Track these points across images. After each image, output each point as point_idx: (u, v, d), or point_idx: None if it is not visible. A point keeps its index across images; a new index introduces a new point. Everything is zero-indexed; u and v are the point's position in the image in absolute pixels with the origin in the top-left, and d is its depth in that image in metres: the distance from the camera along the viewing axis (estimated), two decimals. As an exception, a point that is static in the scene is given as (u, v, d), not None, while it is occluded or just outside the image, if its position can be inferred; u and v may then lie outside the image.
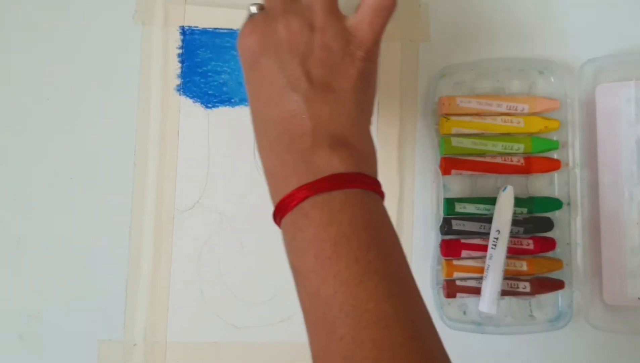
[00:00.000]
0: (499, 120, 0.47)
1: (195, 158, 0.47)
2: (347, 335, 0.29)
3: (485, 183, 0.47)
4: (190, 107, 0.47)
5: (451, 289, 0.46)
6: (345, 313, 0.29)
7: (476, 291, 0.45)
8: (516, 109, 0.47)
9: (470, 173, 0.46)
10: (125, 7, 0.47)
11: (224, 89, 0.47)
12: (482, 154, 0.46)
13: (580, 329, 0.47)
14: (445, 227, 0.46)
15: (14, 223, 0.46)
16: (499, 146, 0.46)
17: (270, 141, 0.34)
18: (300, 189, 0.31)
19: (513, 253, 0.46)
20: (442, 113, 0.47)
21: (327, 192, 0.31)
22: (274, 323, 0.46)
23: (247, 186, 0.47)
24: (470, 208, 0.46)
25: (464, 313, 0.47)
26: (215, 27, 0.47)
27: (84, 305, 0.46)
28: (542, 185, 0.48)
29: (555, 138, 0.47)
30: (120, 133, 0.46)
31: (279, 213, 0.33)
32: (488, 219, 0.46)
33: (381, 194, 0.34)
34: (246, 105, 0.47)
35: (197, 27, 0.47)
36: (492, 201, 0.46)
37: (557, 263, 0.47)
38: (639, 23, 0.49)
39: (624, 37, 0.49)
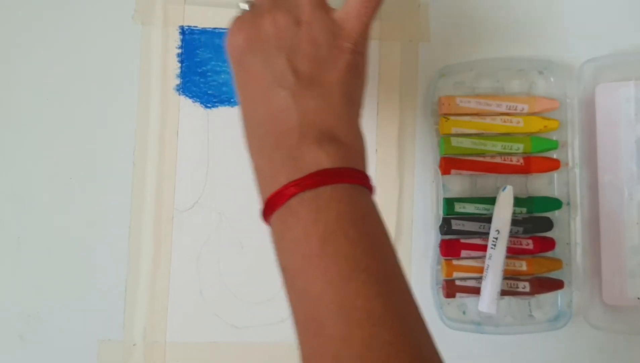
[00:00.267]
0: (498, 120, 0.47)
1: (195, 158, 0.47)
2: (335, 334, 0.29)
3: (484, 182, 0.47)
4: (190, 107, 0.47)
5: (451, 289, 0.46)
6: (333, 311, 0.29)
7: (476, 291, 0.45)
8: (516, 109, 0.47)
9: (469, 172, 0.46)
10: (125, 7, 0.47)
11: (224, 88, 0.47)
12: (482, 154, 0.46)
13: (579, 329, 0.47)
14: (445, 227, 0.46)
15: (14, 223, 0.46)
16: (498, 146, 0.46)
17: (258, 138, 0.34)
18: (287, 186, 0.31)
19: (512, 253, 0.46)
20: (441, 113, 0.47)
21: (314, 188, 0.31)
22: (274, 323, 0.46)
23: (247, 186, 0.46)
24: (470, 208, 0.46)
25: (464, 313, 0.47)
26: (215, 26, 0.47)
27: (83, 305, 0.46)
28: (541, 185, 0.48)
29: (554, 138, 0.47)
30: (120, 133, 0.46)
31: (268, 211, 0.32)
32: (488, 219, 0.46)
33: (370, 189, 0.33)
34: (246, 105, 0.47)
35: (196, 27, 0.47)
36: (492, 201, 0.46)
37: (557, 263, 0.47)
38: (638, 23, 0.49)
39: (624, 37, 0.49)
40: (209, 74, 0.47)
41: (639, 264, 0.46)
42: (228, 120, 0.47)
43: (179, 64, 0.47)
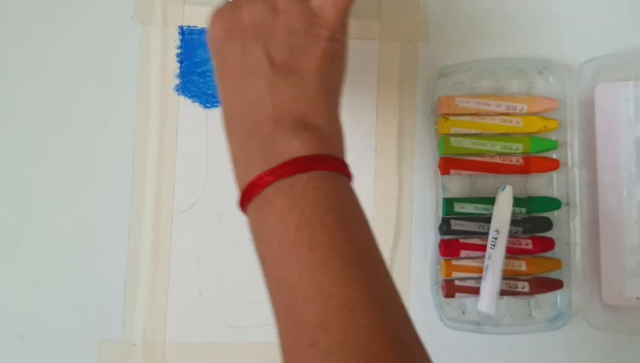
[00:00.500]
0: (498, 120, 0.47)
1: (194, 158, 0.47)
2: (313, 321, 0.28)
3: (484, 182, 0.47)
4: (189, 107, 0.47)
5: (450, 289, 0.46)
6: (310, 298, 0.29)
7: (475, 291, 0.45)
8: (515, 109, 0.47)
9: (469, 172, 0.47)
10: (125, 7, 0.47)
11: (223, 89, 0.47)
12: (481, 154, 0.47)
13: (579, 329, 0.47)
14: (444, 227, 0.46)
15: (13, 223, 0.46)
16: (498, 146, 0.46)
17: (234, 128, 0.34)
18: (261, 176, 0.31)
19: (512, 253, 0.46)
20: (441, 113, 0.47)
21: (289, 177, 0.31)
22: (273, 323, 0.46)
23: (246, 186, 0.47)
24: (469, 208, 0.46)
25: (463, 313, 0.47)
26: (214, 27, 0.47)
27: (83, 305, 0.46)
28: (541, 185, 0.48)
29: (554, 138, 0.47)
30: (120, 133, 0.46)
31: (244, 201, 0.32)
32: (487, 219, 0.46)
33: (349, 176, 0.33)
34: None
35: (196, 26, 0.47)
36: (491, 201, 0.46)
37: (556, 263, 0.47)
38: (638, 23, 0.49)
39: (623, 37, 0.49)
40: (209, 74, 0.47)
41: (638, 264, 0.46)
42: (227, 120, 0.47)
43: (179, 64, 0.47)
